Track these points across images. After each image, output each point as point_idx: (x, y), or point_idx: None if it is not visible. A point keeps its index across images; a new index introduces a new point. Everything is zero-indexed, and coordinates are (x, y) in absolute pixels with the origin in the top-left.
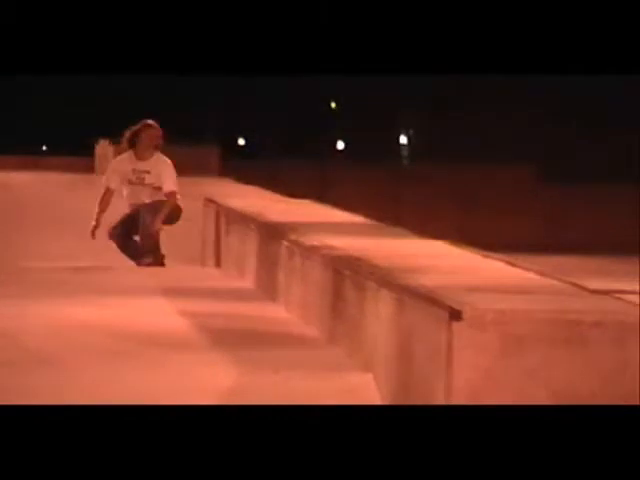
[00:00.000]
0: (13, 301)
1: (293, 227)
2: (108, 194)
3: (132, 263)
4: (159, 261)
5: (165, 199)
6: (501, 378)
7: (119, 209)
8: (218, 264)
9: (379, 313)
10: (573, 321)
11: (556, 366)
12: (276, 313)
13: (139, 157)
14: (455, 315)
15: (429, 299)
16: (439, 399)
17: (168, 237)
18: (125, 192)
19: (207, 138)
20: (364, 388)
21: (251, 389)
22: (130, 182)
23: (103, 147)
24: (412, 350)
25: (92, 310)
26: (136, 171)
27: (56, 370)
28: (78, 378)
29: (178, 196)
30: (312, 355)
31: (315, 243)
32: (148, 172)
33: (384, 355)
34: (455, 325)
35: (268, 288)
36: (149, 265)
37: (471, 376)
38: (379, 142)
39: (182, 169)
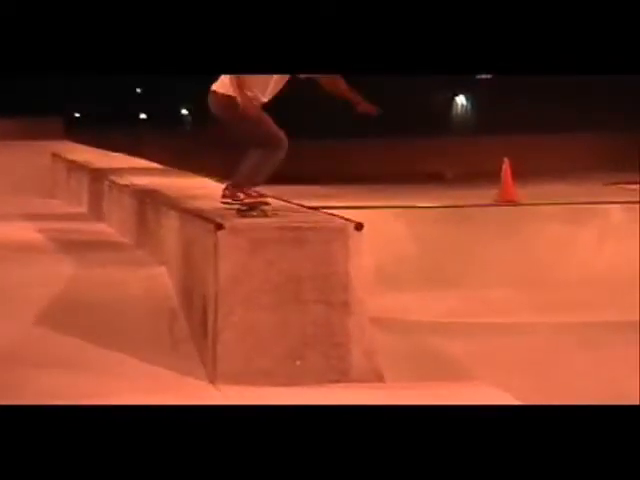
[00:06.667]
0: None
1: (112, 171)
2: None
3: None
4: None
5: None
6: (251, 267)
7: None
8: (63, 197)
9: (169, 226)
10: (296, 227)
11: (287, 258)
12: (102, 229)
13: None
14: (219, 227)
15: (202, 217)
16: (211, 283)
17: (32, 179)
18: None
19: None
20: (160, 276)
21: (86, 278)
22: None
23: None
24: (191, 251)
25: None
26: None
27: None
28: None
29: None
30: (126, 255)
31: (126, 182)
32: None
33: (173, 255)
34: (219, 233)
35: (96, 212)
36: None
37: (231, 267)
38: (169, 114)
39: (33, 135)
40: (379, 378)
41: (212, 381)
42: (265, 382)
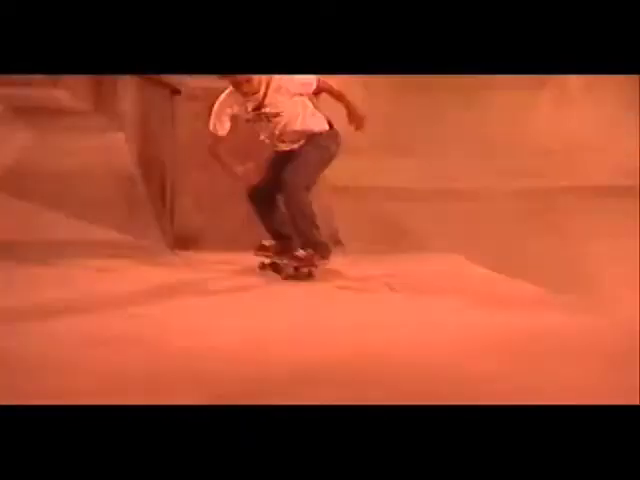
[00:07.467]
0: None
1: None
2: None
3: None
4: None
5: None
6: (204, 131)
7: None
8: None
9: (126, 94)
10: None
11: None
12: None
13: None
14: (175, 92)
15: (158, 81)
16: (168, 149)
17: None
18: None
19: None
20: (118, 143)
21: (44, 145)
22: None
23: None
24: (149, 117)
25: None
26: None
27: None
28: None
29: None
30: (83, 122)
31: None
32: None
33: (131, 121)
34: (175, 98)
35: None
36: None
37: (186, 130)
38: None
39: None
40: (336, 243)
41: (170, 246)
42: (223, 247)
